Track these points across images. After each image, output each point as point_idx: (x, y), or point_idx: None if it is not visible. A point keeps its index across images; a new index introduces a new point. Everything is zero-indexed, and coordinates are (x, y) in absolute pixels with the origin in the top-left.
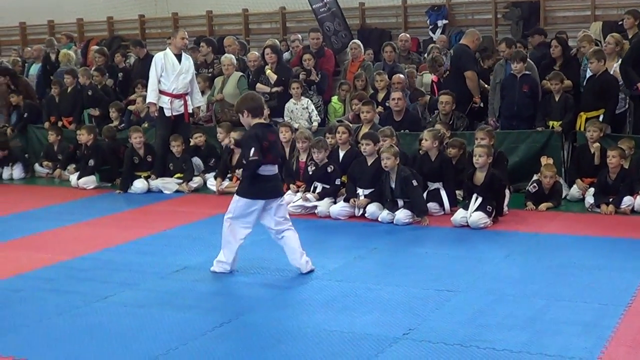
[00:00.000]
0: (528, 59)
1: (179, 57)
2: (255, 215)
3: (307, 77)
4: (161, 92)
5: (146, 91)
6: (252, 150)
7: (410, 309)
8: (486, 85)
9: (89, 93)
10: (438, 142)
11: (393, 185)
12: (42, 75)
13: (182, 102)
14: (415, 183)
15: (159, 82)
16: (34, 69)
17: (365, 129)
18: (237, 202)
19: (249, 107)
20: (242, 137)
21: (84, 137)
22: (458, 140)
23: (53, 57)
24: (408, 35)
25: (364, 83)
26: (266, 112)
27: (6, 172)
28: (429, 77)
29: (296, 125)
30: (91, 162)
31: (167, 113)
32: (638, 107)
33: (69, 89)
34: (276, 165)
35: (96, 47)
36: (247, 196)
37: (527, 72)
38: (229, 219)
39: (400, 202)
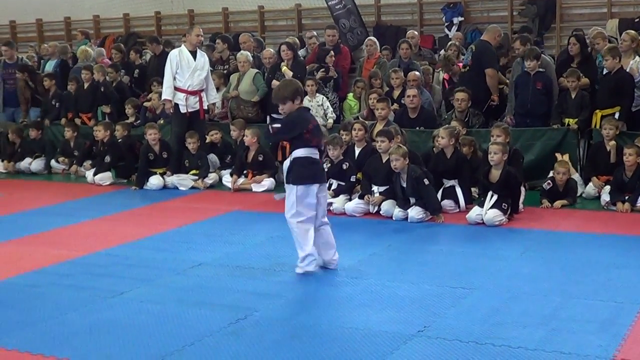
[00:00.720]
0: (543, 56)
1: (194, 54)
2: (314, 200)
3: (326, 73)
4: (176, 88)
5: (162, 88)
6: (277, 126)
7: (425, 306)
8: (507, 80)
9: (102, 90)
10: (454, 139)
11: (404, 185)
12: (60, 73)
13: (197, 98)
14: (426, 182)
15: (174, 78)
16: (50, 65)
17: (379, 126)
18: (296, 193)
19: (299, 91)
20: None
21: (100, 133)
22: (467, 138)
23: (70, 62)
24: (416, 33)
25: (380, 82)
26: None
27: (24, 163)
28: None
29: None
30: (107, 159)
31: (183, 110)
32: None
33: (86, 85)
34: (317, 151)
35: (99, 49)
36: (303, 182)
37: (540, 70)
38: (293, 218)
39: (412, 200)
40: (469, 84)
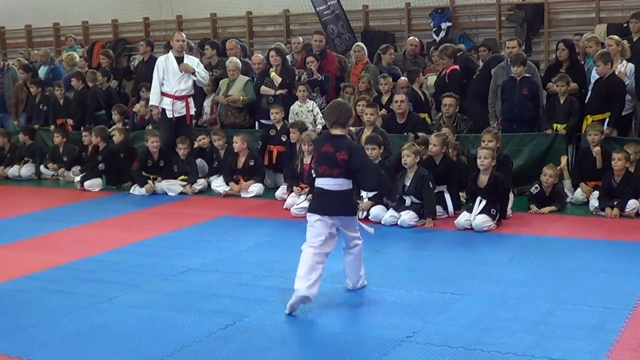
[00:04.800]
0: (529, 62)
1: (180, 60)
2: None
3: (309, 77)
4: (163, 94)
5: (149, 94)
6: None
7: (414, 312)
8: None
9: (93, 95)
10: (446, 146)
11: (407, 183)
12: (53, 79)
13: (184, 104)
14: (431, 185)
15: (162, 84)
16: (42, 71)
17: (367, 132)
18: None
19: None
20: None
21: (89, 138)
22: (452, 143)
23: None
24: (417, 40)
25: (366, 84)
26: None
27: (13, 170)
28: (433, 79)
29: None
30: (102, 166)
31: (169, 114)
32: None
33: (76, 91)
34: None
35: (66, 52)
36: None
37: (527, 75)
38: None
39: (408, 201)
40: (479, 90)
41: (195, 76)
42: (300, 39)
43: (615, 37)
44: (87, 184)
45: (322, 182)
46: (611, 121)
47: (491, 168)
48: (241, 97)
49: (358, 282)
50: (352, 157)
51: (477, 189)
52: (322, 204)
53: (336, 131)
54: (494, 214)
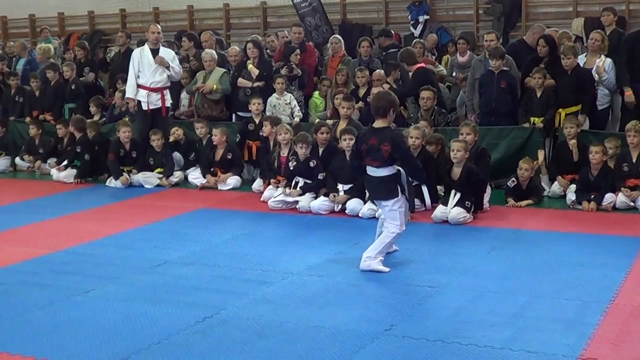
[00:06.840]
0: (507, 56)
1: (156, 52)
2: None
3: (289, 72)
4: (139, 86)
5: (125, 86)
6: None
7: (391, 305)
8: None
9: (72, 87)
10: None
11: None
12: (30, 71)
13: (160, 96)
14: (409, 178)
15: (137, 77)
16: (20, 63)
17: (342, 124)
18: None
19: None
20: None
21: (70, 129)
22: (435, 136)
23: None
24: (392, 32)
25: (345, 77)
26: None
27: None
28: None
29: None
30: (87, 157)
31: (144, 106)
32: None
33: (52, 83)
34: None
35: (41, 44)
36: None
37: (505, 69)
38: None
39: None
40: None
41: (169, 71)
42: (279, 33)
43: (601, 31)
44: (62, 175)
45: (369, 171)
46: (584, 110)
47: (464, 160)
48: (215, 86)
49: (366, 259)
50: (394, 148)
51: (451, 181)
52: (368, 189)
53: (378, 123)
54: (469, 206)
